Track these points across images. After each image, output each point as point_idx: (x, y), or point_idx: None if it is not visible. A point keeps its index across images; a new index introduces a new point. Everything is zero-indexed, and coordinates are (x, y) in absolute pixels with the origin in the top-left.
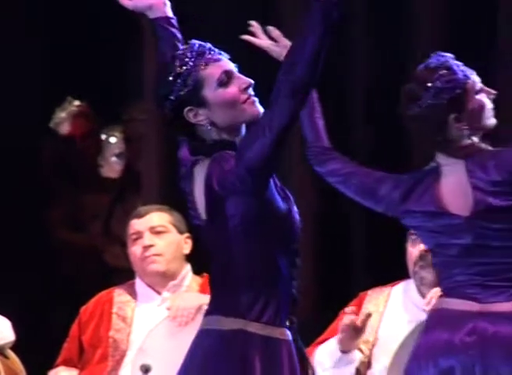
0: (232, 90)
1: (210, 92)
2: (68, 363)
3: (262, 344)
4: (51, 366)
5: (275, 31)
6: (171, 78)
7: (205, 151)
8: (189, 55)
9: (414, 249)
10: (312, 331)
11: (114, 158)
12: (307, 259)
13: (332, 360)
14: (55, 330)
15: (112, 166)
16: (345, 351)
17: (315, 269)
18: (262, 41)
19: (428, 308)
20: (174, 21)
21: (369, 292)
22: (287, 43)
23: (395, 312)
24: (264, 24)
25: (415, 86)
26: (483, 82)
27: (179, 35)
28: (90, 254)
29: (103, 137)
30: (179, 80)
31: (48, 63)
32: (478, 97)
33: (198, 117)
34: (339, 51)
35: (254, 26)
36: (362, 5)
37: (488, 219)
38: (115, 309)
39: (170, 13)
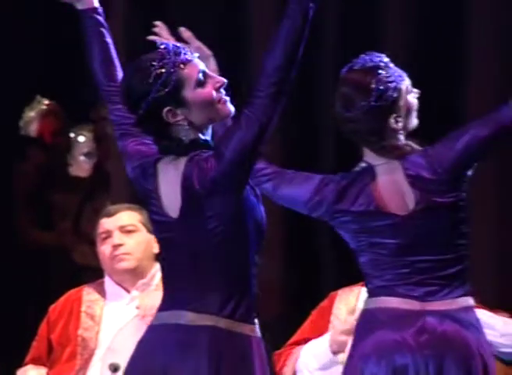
0: (209, 90)
1: (189, 92)
2: (37, 362)
3: (234, 340)
4: (20, 364)
5: (186, 32)
6: (150, 80)
7: (179, 151)
8: (167, 55)
9: None
10: (281, 330)
11: (82, 158)
12: (276, 258)
13: (321, 362)
14: (23, 329)
15: (80, 165)
16: (338, 352)
17: (284, 268)
18: (170, 41)
19: None
20: (101, 13)
21: (339, 292)
22: (199, 44)
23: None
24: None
25: (353, 88)
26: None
27: (106, 29)
28: (59, 253)
29: (72, 135)
30: (159, 81)
31: (18, 63)
32: (409, 97)
33: (177, 117)
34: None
35: (159, 26)
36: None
37: (425, 218)
38: (83, 308)
39: (97, 4)
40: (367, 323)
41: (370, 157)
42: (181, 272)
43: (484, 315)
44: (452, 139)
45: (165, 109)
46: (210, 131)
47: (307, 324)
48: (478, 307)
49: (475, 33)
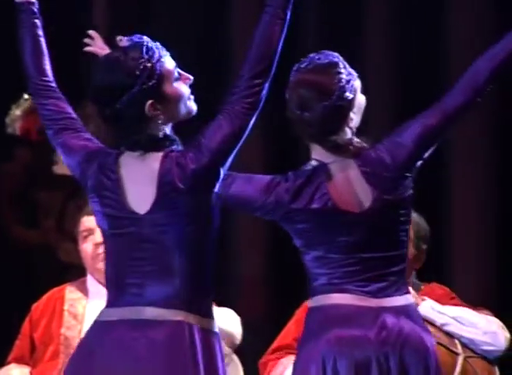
0: (183, 85)
1: (168, 87)
2: (19, 361)
3: (205, 336)
4: (3, 363)
5: (94, 34)
6: (137, 72)
7: (150, 146)
8: (151, 49)
9: None
10: (265, 327)
11: None
12: (261, 255)
13: None
14: (6, 328)
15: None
16: None
17: (268, 265)
18: (105, 50)
19: None
20: (36, 6)
21: None
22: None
23: None
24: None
25: (313, 89)
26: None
27: (40, 22)
28: (43, 251)
29: None
30: (145, 74)
31: (2, 60)
32: (360, 95)
33: (156, 111)
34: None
35: (93, 35)
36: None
37: (379, 215)
38: (66, 306)
39: None
40: (321, 321)
41: (320, 155)
42: (142, 267)
43: (466, 313)
44: (401, 133)
45: (149, 103)
46: None
47: (287, 330)
48: (461, 305)
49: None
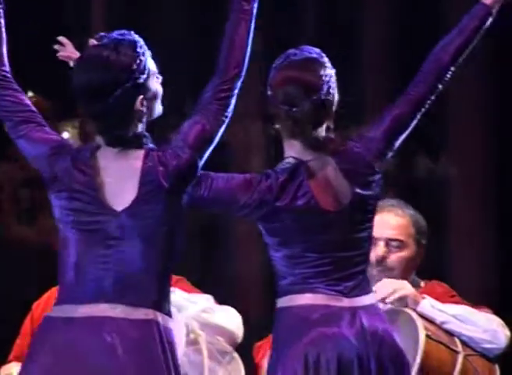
0: (159, 84)
1: (153, 83)
2: (20, 359)
3: (166, 333)
4: (4, 362)
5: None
6: (134, 66)
7: (132, 143)
8: (143, 44)
9: (371, 254)
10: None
11: None
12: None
13: None
14: (6, 327)
15: None
16: None
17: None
18: (77, 54)
19: (390, 300)
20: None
21: None
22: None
23: None
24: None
25: (301, 85)
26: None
27: (3, 10)
28: (42, 249)
29: None
30: (139, 69)
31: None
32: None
33: (143, 107)
34: None
35: (63, 41)
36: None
37: (354, 213)
38: None
39: None
40: (299, 320)
41: (297, 152)
42: (110, 264)
43: (466, 311)
44: (372, 128)
45: (140, 98)
46: None
47: None
48: (461, 303)
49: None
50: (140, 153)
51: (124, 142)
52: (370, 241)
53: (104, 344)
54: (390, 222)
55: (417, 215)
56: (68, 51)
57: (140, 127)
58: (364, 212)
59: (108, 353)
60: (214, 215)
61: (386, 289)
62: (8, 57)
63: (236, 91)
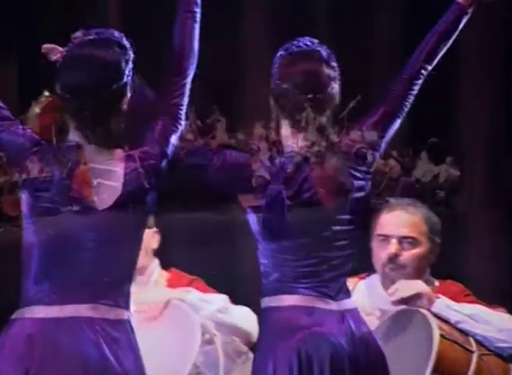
0: None
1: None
2: None
3: (134, 332)
4: None
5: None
6: (126, 65)
7: (113, 142)
8: (126, 41)
9: (383, 252)
10: None
11: None
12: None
13: None
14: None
15: None
16: None
17: None
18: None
19: (393, 298)
20: None
21: None
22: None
23: (359, 305)
24: None
25: (314, 74)
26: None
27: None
28: None
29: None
30: (128, 68)
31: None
32: None
33: (125, 106)
34: None
35: (48, 47)
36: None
37: (350, 211)
38: None
39: None
40: (288, 321)
41: (298, 146)
42: (85, 265)
43: (481, 310)
44: (364, 122)
45: (127, 97)
46: None
47: None
48: (476, 302)
49: None
50: (122, 153)
51: (108, 141)
52: (354, 243)
53: (86, 343)
54: (403, 219)
55: (430, 213)
56: (59, 52)
57: (122, 126)
58: (356, 211)
59: (91, 349)
60: (229, 213)
61: (405, 289)
62: (28, 57)
63: (188, 88)
